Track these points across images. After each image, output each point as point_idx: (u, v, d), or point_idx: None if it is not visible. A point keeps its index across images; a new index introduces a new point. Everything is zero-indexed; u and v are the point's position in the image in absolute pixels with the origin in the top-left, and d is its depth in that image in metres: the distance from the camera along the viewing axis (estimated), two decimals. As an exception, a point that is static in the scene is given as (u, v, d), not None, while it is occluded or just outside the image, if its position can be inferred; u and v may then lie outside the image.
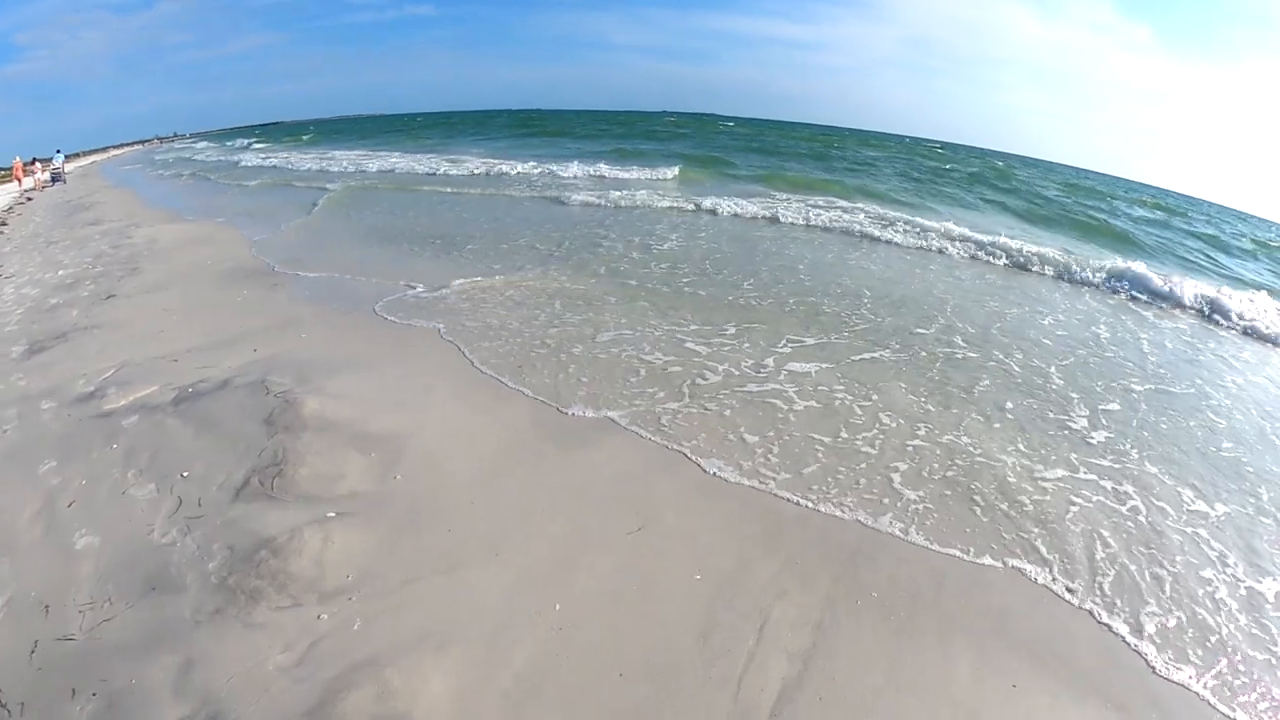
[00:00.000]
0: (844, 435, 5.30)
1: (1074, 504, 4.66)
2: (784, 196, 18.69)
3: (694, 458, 4.87)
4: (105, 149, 68.60)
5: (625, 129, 44.13)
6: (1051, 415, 6.01)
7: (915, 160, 36.07)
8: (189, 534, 3.85)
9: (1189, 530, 4.48)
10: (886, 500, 4.54)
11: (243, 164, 31.16)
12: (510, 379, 6.08)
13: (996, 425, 5.66)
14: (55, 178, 32.57)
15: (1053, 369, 7.20)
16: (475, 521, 4.07)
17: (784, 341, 7.27)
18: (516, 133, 42.53)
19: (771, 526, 4.18)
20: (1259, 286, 12.91)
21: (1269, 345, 9.58)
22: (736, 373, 6.40)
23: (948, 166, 33.89)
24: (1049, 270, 12.13)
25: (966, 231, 14.21)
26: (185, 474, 4.44)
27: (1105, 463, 5.23)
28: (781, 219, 15.56)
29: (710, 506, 4.34)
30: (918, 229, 14.39)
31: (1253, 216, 39.12)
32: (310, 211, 15.84)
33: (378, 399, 5.54)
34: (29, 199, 25.93)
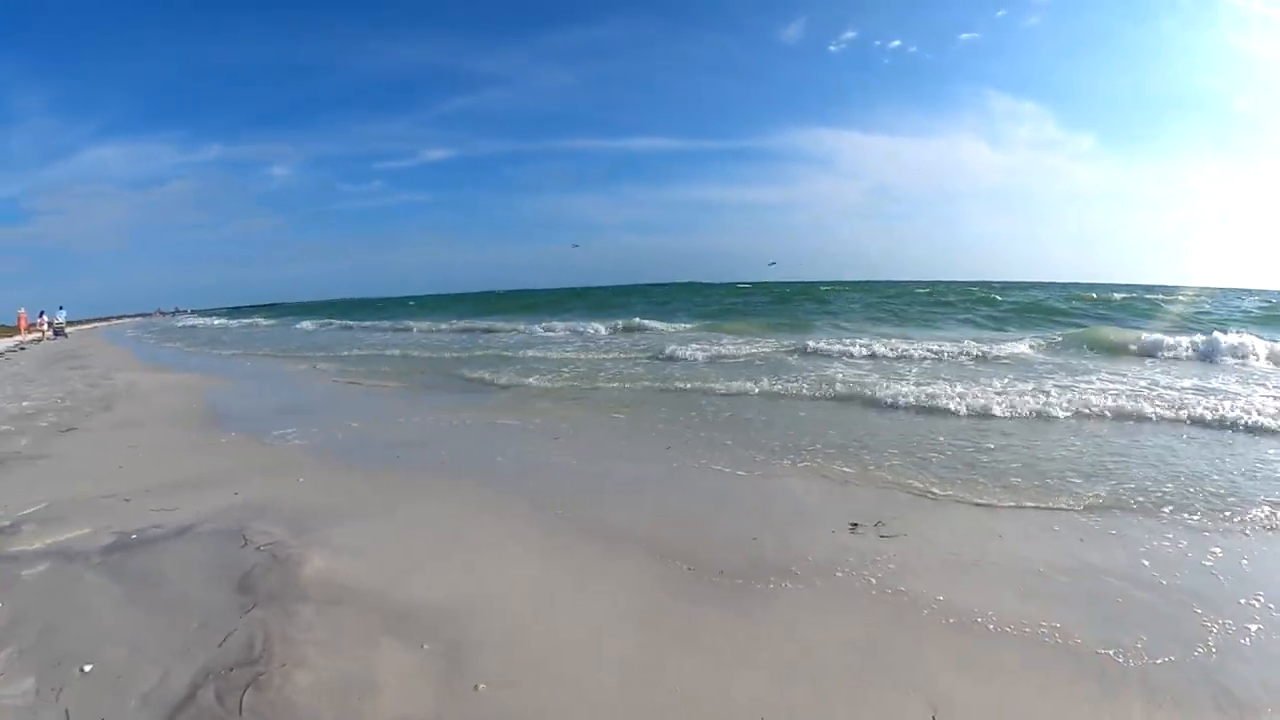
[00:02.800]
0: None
1: None
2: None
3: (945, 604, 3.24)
4: (108, 317, 70.00)
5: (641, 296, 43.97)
6: None
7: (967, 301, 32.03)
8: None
9: None
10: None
11: (244, 332, 30.74)
12: (598, 522, 4.43)
13: None
14: (57, 332, 32.90)
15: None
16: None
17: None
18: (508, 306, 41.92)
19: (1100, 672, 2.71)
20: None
21: None
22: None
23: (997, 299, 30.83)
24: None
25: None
26: (88, 667, 2.64)
27: None
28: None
29: (1006, 669, 2.74)
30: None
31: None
32: (311, 369, 14.31)
33: (411, 555, 3.82)
34: (22, 348, 25.31)
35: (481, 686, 2.58)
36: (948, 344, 14.03)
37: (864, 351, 13.41)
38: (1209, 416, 7.07)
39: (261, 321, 44.99)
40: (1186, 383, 9.38)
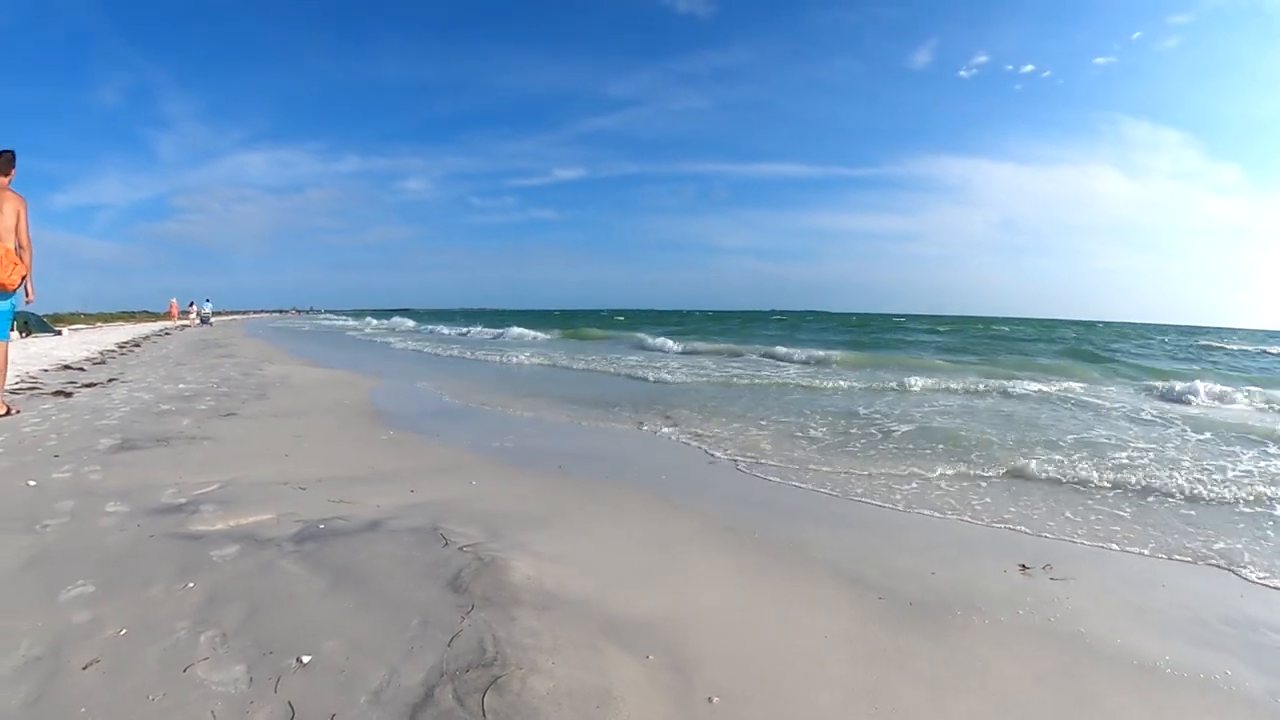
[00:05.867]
0: None
1: None
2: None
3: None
4: (245, 311, 75.10)
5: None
6: None
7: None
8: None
9: None
10: None
11: (389, 329, 32.07)
12: (784, 545, 4.26)
13: None
14: (204, 320, 36.73)
15: None
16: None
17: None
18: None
19: None
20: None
21: None
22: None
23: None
24: None
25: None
26: (306, 658, 2.53)
27: None
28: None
29: (1189, 711, 2.71)
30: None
31: None
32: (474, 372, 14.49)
33: (612, 568, 3.69)
34: (166, 333, 27.36)
35: (715, 700, 2.50)
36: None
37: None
38: None
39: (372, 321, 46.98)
40: None
